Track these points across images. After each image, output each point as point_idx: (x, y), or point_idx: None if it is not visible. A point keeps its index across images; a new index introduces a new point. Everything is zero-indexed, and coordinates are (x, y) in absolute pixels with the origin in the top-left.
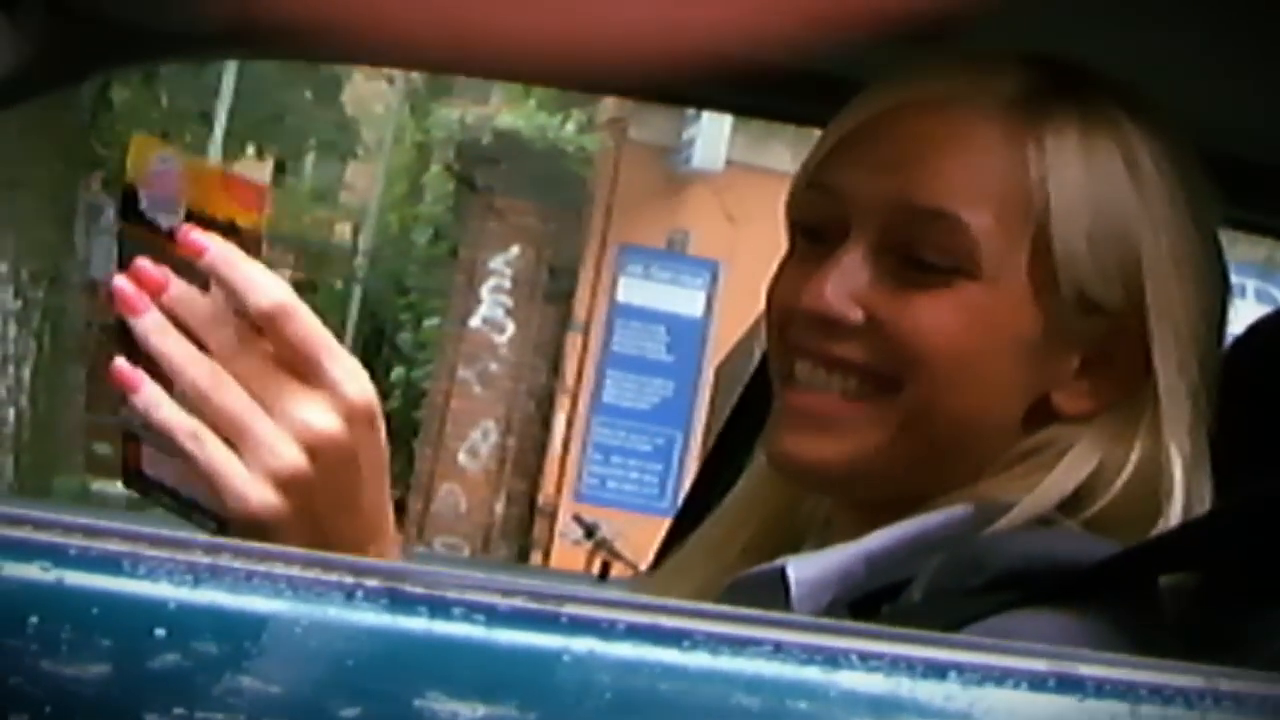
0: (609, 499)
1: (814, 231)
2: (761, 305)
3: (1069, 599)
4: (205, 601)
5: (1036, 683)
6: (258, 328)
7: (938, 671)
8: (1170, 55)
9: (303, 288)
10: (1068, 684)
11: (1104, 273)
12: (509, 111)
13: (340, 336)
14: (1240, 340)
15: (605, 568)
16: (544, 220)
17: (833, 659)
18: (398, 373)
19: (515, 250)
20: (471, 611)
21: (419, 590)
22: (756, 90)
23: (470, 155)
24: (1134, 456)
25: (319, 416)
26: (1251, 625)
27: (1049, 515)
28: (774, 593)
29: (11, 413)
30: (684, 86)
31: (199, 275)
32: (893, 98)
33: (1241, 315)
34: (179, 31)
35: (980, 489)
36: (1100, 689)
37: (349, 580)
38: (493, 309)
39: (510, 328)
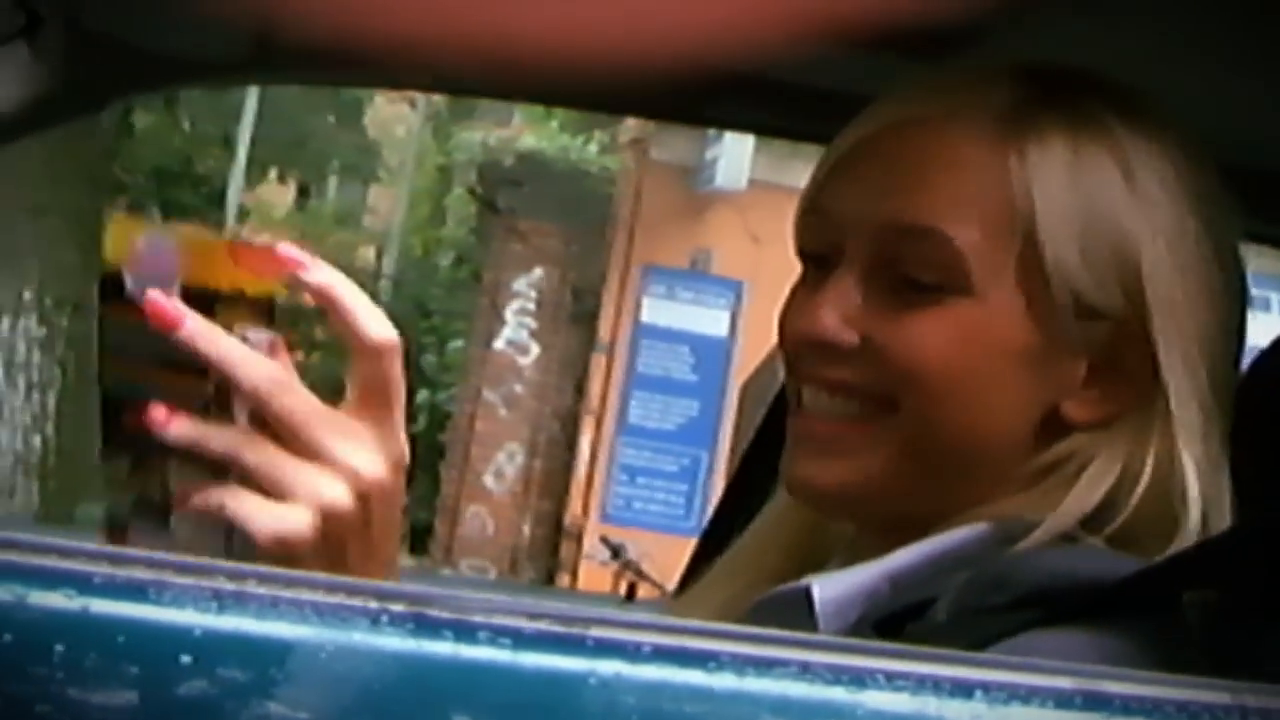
0: (635, 520)
1: (816, 257)
2: None
3: (1093, 617)
4: (231, 628)
5: (1063, 701)
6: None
7: (964, 691)
8: (1190, 67)
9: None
10: (1094, 702)
11: (1099, 278)
12: (531, 133)
13: None
14: (1264, 354)
15: (632, 588)
16: (567, 241)
17: (859, 679)
18: (422, 396)
19: (539, 272)
20: (497, 635)
21: (444, 614)
22: (777, 109)
23: (492, 177)
24: (1149, 465)
25: (367, 461)
26: (1277, 641)
27: (1072, 531)
28: (799, 612)
29: (36, 439)
30: (705, 106)
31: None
32: (884, 118)
33: (1267, 328)
34: (200, 57)
35: (1002, 505)
36: (1127, 707)
37: (374, 605)
38: (517, 331)
39: (534, 349)
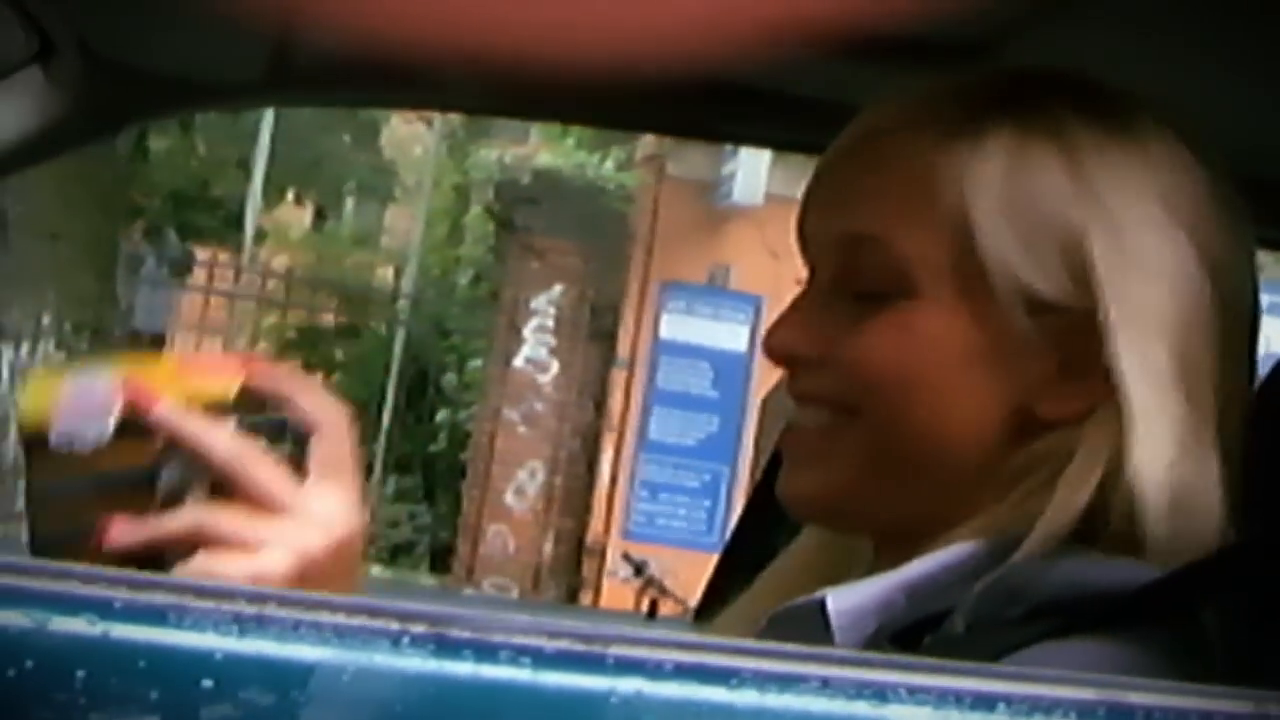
0: (657, 536)
1: (809, 272)
2: None
3: (1110, 626)
4: (252, 651)
5: (1086, 712)
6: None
7: (986, 703)
8: (1195, 76)
9: (345, 332)
10: (1117, 712)
11: (1047, 270)
12: (547, 151)
13: (384, 380)
14: None
15: (654, 605)
16: (585, 259)
17: (881, 693)
18: (442, 415)
19: (557, 289)
20: (518, 654)
21: (465, 635)
22: (793, 124)
23: (509, 196)
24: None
25: (332, 517)
26: None
27: (1068, 534)
28: (814, 624)
29: None
30: (721, 122)
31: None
32: (850, 134)
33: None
34: (215, 80)
35: (996, 510)
36: (1150, 717)
37: (395, 626)
38: (536, 349)
39: (554, 367)
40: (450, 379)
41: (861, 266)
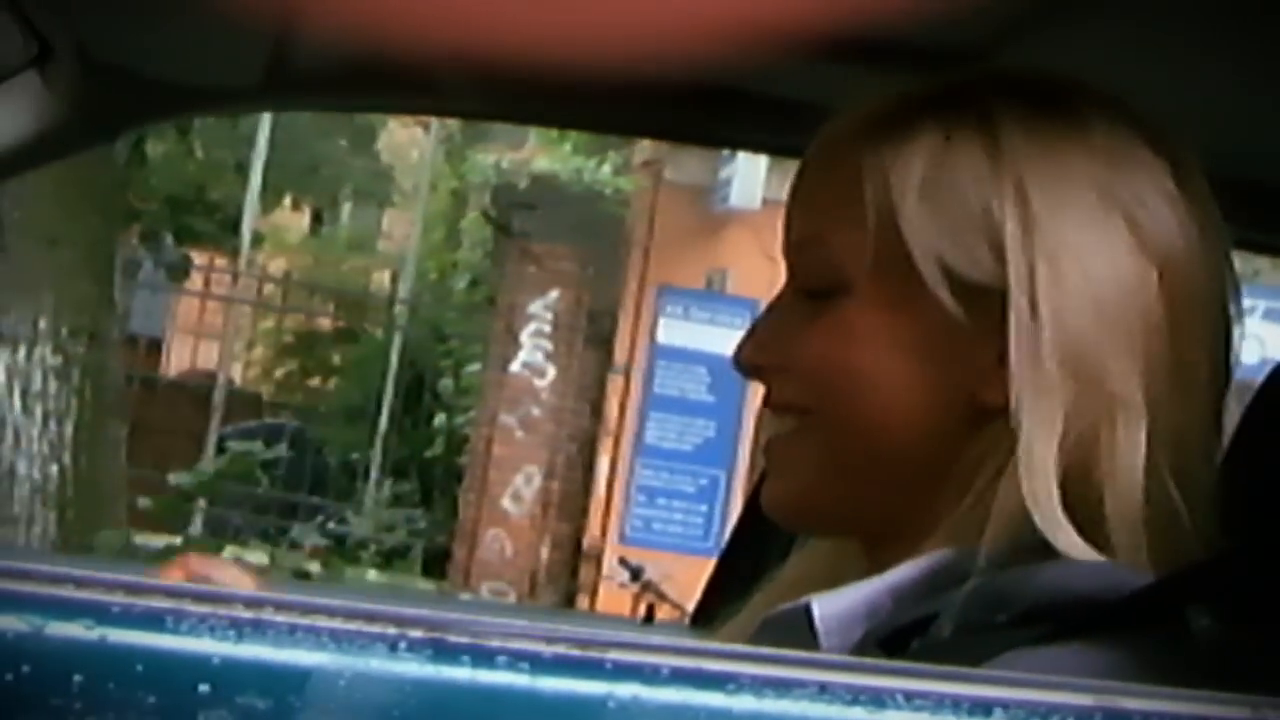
0: (654, 541)
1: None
2: None
3: (1098, 632)
4: (249, 656)
5: (1082, 717)
6: None
7: (983, 709)
8: (1199, 79)
9: (342, 337)
10: (1113, 718)
11: (971, 254)
12: (544, 156)
13: (380, 385)
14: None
15: (651, 610)
16: (582, 264)
17: (878, 699)
18: (439, 420)
19: (554, 294)
20: (515, 660)
21: (462, 640)
22: (789, 128)
23: (506, 200)
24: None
25: None
26: None
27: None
28: (801, 630)
29: (54, 469)
30: (717, 127)
31: None
32: (813, 144)
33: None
34: (212, 85)
35: (970, 507)
36: None
37: (392, 631)
38: (533, 354)
39: (551, 372)
40: (447, 384)
41: (807, 268)
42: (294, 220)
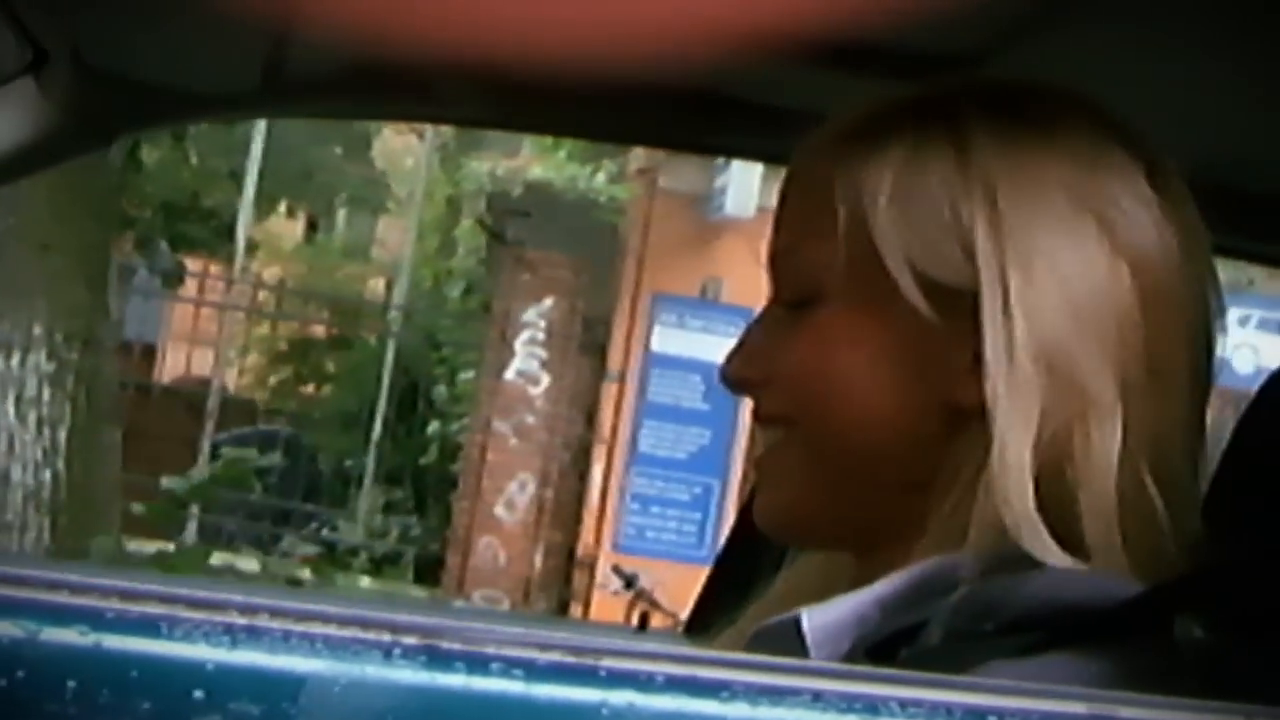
0: (648, 549)
1: None
2: None
3: (1087, 641)
4: (243, 662)
5: None
6: None
7: (977, 716)
8: (1200, 88)
9: (336, 344)
10: None
11: (942, 257)
12: (539, 163)
13: (375, 392)
14: (1276, 375)
15: (644, 618)
16: (576, 271)
17: (873, 706)
18: (433, 427)
19: (548, 302)
20: (510, 666)
21: (457, 647)
22: (783, 137)
23: (501, 208)
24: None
25: None
26: (1271, 665)
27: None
28: (791, 642)
29: (48, 475)
30: (711, 134)
31: None
32: (795, 157)
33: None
34: (207, 91)
35: (954, 514)
36: None
37: (386, 638)
38: (527, 361)
39: (545, 380)
40: (441, 391)
41: (785, 279)
42: (288, 227)
